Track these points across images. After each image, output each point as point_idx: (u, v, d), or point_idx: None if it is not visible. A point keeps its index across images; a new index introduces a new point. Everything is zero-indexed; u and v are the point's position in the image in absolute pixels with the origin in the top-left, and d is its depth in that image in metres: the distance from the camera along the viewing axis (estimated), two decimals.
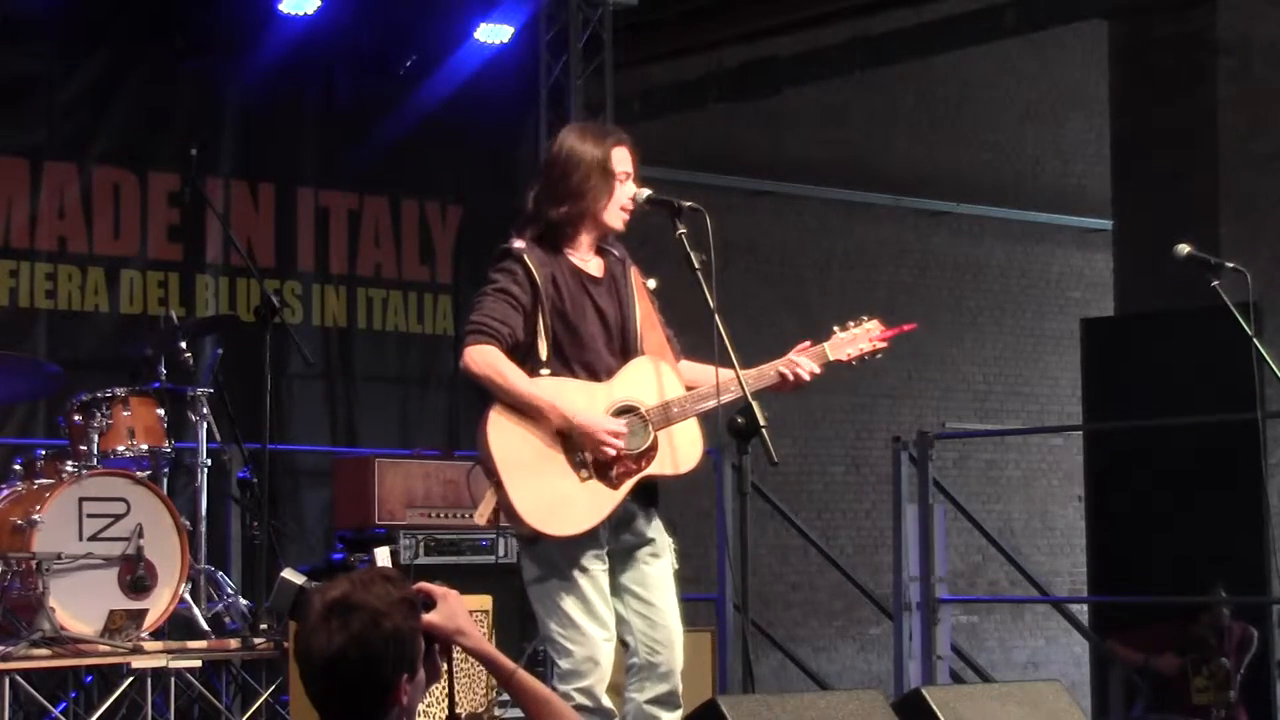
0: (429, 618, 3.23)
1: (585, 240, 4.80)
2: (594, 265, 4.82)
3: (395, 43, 9.38)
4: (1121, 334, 10.85)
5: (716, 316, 4.56)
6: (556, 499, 4.58)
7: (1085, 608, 11.34)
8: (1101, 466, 10.85)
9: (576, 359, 4.70)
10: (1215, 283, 5.65)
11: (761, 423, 4.51)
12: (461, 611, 3.28)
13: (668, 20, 11.88)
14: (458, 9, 9.51)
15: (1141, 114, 11.02)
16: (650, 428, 4.68)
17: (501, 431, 4.58)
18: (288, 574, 3.25)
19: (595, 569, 4.65)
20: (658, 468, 4.70)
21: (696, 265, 4.64)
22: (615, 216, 4.78)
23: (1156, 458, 9.90)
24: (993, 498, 15.13)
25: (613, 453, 4.59)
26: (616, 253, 4.89)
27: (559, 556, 4.62)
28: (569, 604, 4.61)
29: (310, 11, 8.93)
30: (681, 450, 4.72)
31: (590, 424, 4.58)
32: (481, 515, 4.64)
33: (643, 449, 4.67)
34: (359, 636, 3.06)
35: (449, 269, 9.63)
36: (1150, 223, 10.68)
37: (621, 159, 4.78)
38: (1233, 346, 5.95)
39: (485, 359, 4.61)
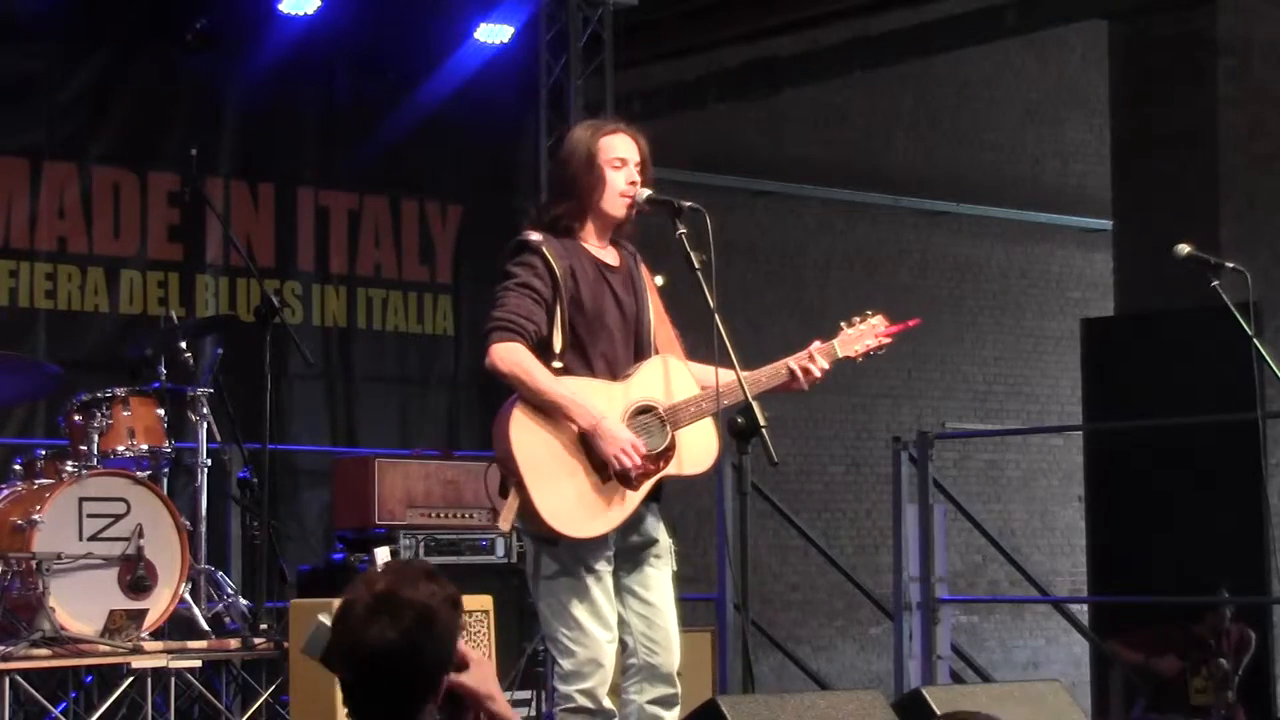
0: (461, 679, 3.21)
1: (594, 231, 4.80)
2: (610, 255, 4.82)
3: (395, 43, 9.38)
4: (1121, 334, 10.86)
5: (716, 316, 4.56)
6: (579, 500, 4.56)
7: (1085, 608, 11.34)
8: (1101, 466, 10.85)
9: (595, 350, 4.68)
10: (1215, 283, 5.65)
11: (762, 423, 4.50)
12: (492, 677, 3.28)
13: (668, 20, 11.87)
14: (458, 9, 9.50)
15: (1141, 114, 11.02)
16: (668, 427, 4.67)
17: (525, 431, 4.55)
18: (325, 619, 3.24)
19: (603, 570, 4.64)
20: (675, 468, 4.70)
21: (697, 265, 4.64)
22: (614, 204, 4.76)
23: (1156, 458, 9.90)
24: (993, 498, 15.13)
25: (629, 464, 4.57)
26: (629, 248, 4.89)
27: (570, 557, 4.61)
28: (575, 605, 4.60)
29: (310, 11, 8.93)
30: (698, 449, 4.72)
31: (613, 435, 4.56)
32: (505, 520, 4.59)
33: (661, 449, 4.66)
34: (409, 632, 3.06)
35: (449, 269, 9.63)
36: (1150, 223, 10.68)
37: (613, 146, 4.76)
38: (1233, 346, 5.95)
39: (512, 356, 4.57)
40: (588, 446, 4.58)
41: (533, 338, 4.61)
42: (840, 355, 4.95)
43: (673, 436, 4.68)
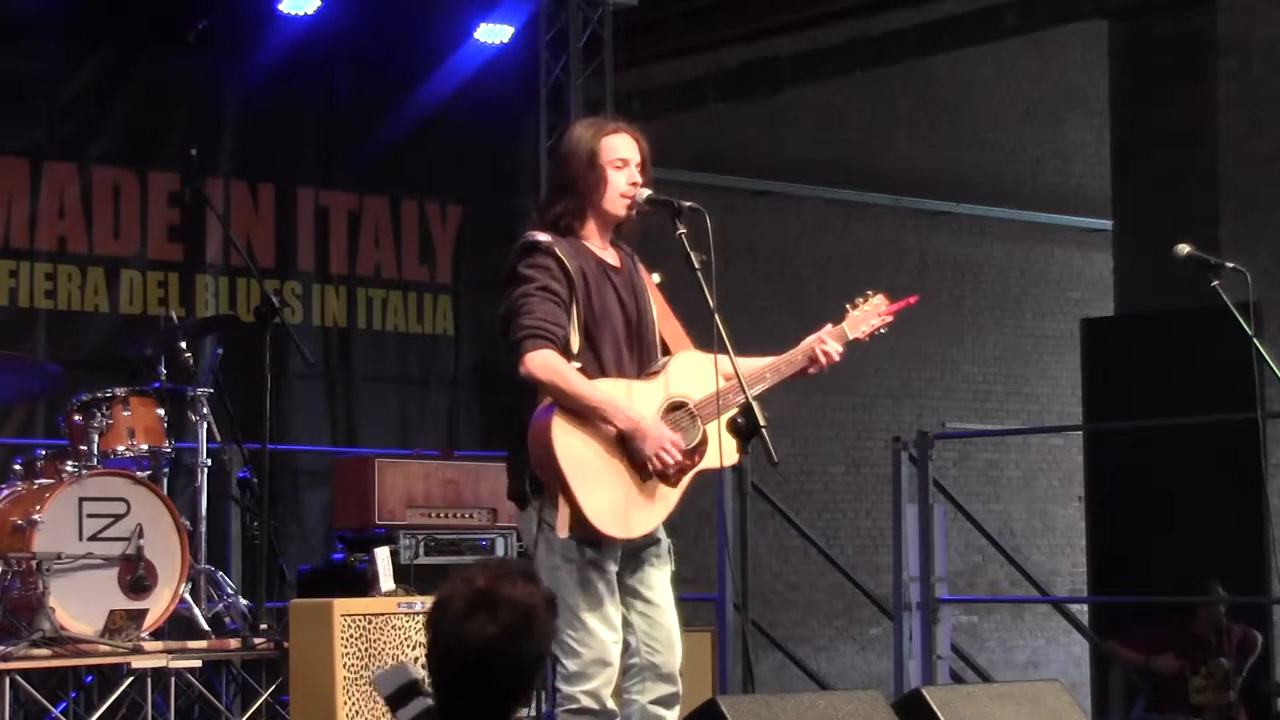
0: None
1: (596, 230, 4.80)
2: (612, 256, 4.83)
3: (395, 43, 9.38)
4: (1121, 334, 10.85)
5: (716, 316, 4.56)
6: (622, 501, 4.59)
7: (1085, 608, 11.33)
8: (1101, 466, 10.84)
9: (603, 351, 4.70)
10: (1215, 283, 5.64)
11: (761, 423, 4.51)
12: None
13: (668, 20, 11.87)
14: (458, 9, 9.51)
15: (1141, 114, 11.01)
16: (699, 422, 4.69)
17: (566, 437, 4.55)
18: (408, 664, 3.20)
19: (610, 570, 4.65)
20: (708, 462, 4.72)
21: (696, 265, 4.63)
22: (615, 204, 4.77)
23: (1156, 458, 9.90)
24: (993, 498, 15.13)
25: (670, 461, 4.60)
26: (626, 250, 4.90)
27: (580, 557, 4.61)
28: (582, 606, 4.60)
29: (310, 11, 8.93)
30: (728, 442, 4.71)
31: (652, 435, 4.59)
32: (562, 527, 4.59)
33: (694, 444, 4.69)
34: (510, 629, 3.07)
35: (449, 269, 9.63)
36: (1150, 223, 10.67)
37: (614, 147, 4.76)
38: (1233, 346, 5.95)
39: (548, 364, 4.57)
40: (627, 447, 4.60)
41: (561, 343, 4.62)
42: (850, 337, 4.99)
43: (704, 431, 4.70)
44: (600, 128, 4.83)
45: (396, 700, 3.17)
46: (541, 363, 4.57)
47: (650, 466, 4.59)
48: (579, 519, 4.55)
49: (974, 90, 15.16)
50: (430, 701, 3.20)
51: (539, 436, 4.59)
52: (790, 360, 4.88)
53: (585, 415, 4.58)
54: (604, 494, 4.57)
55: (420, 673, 3.29)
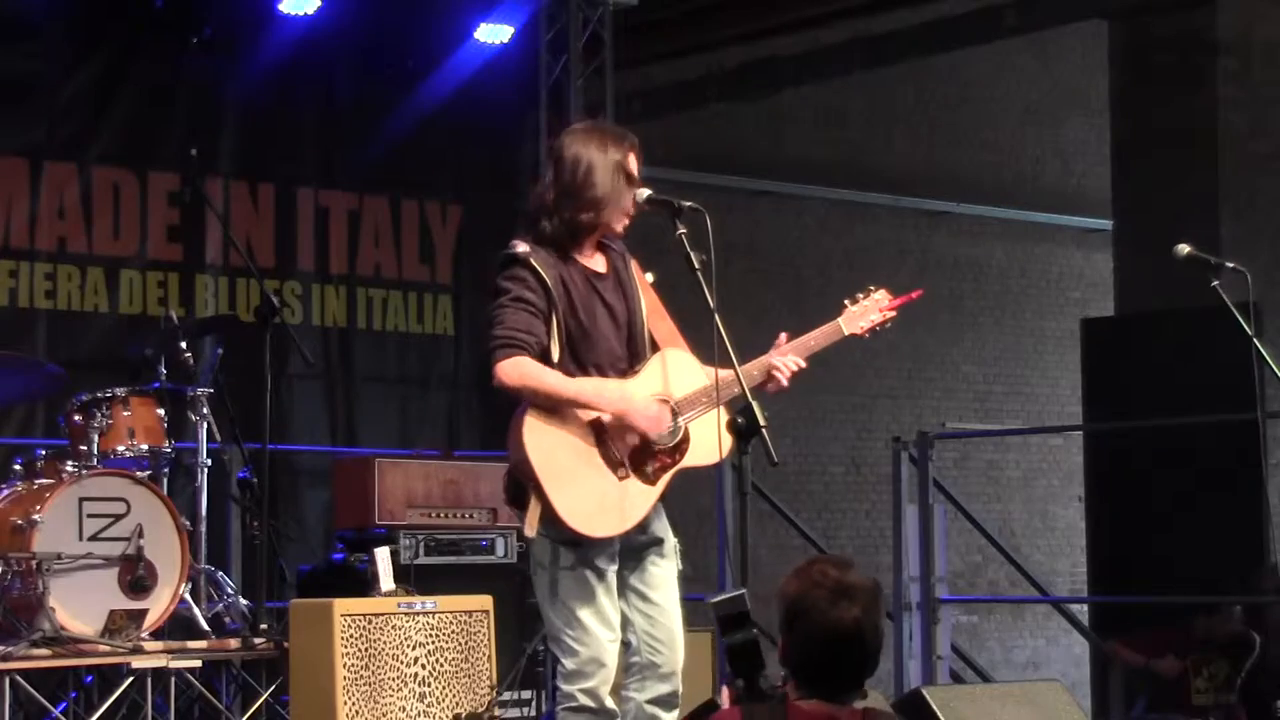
0: None
1: (590, 240, 4.81)
2: (598, 262, 4.82)
3: (395, 43, 9.38)
4: (1121, 334, 10.85)
5: (716, 316, 4.55)
6: (597, 500, 4.58)
7: (1085, 608, 11.34)
8: (1101, 466, 10.84)
9: (588, 359, 4.70)
10: (1215, 283, 5.65)
11: (761, 423, 4.50)
12: None
13: (668, 20, 11.87)
14: (458, 9, 9.51)
15: (1141, 114, 11.02)
16: (680, 420, 4.69)
17: (537, 437, 4.57)
18: (745, 594, 3.72)
19: (606, 569, 4.65)
20: (691, 459, 4.72)
21: (696, 265, 4.62)
22: (622, 220, 4.79)
23: (1156, 458, 9.90)
24: (993, 498, 15.12)
25: (668, 422, 4.60)
26: (616, 247, 4.89)
27: (575, 556, 4.62)
28: (579, 604, 4.61)
29: (310, 11, 8.93)
30: (712, 440, 4.71)
31: (635, 411, 4.60)
32: (530, 526, 4.60)
33: (676, 441, 4.68)
34: (867, 608, 3.59)
35: (449, 269, 9.63)
36: (1150, 223, 10.67)
37: (634, 163, 4.78)
38: (1233, 346, 5.95)
39: (519, 370, 4.58)
40: (600, 445, 4.60)
41: (534, 350, 4.62)
42: (846, 333, 4.96)
43: (685, 429, 4.69)
44: (620, 140, 4.79)
45: (728, 625, 3.64)
46: (512, 370, 4.58)
47: (650, 441, 4.60)
48: (552, 517, 4.55)
49: (974, 90, 15.16)
50: (755, 633, 3.69)
51: (512, 437, 4.61)
52: (748, 373, 4.73)
53: (560, 413, 4.58)
54: (577, 492, 4.56)
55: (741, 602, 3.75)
